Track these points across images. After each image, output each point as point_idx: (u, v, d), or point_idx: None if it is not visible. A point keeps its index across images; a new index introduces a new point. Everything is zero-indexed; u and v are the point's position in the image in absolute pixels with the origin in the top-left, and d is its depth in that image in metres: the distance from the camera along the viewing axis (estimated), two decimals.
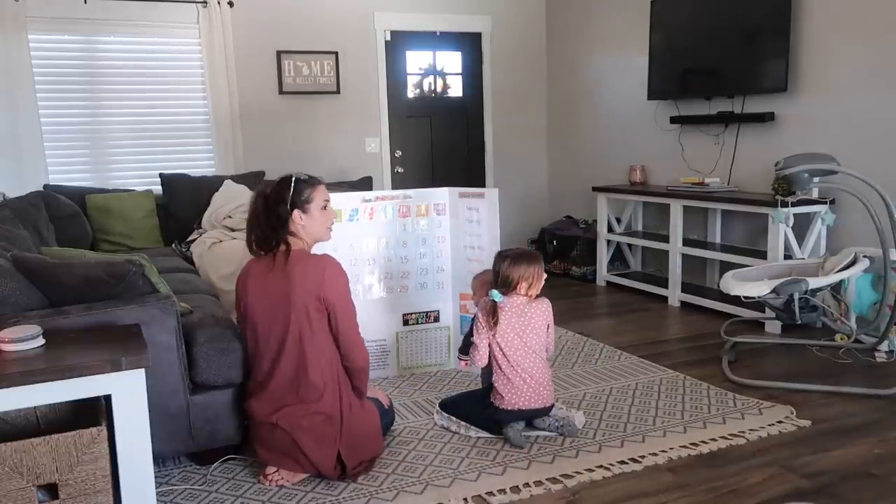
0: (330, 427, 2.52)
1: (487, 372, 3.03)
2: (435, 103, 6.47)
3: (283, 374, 2.54)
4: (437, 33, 6.34)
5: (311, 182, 2.66)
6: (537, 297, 2.94)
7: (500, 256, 2.94)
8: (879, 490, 2.42)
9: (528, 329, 2.87)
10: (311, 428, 2.50)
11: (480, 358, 2.90)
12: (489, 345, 2.89)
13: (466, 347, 3.22)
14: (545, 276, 2.95)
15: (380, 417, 2.72)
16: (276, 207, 2.58)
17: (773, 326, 4.23)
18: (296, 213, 2.59)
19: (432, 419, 3.09)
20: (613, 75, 6.01)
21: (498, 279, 2.90)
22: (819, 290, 3.42)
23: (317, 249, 2.71)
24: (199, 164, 5.65)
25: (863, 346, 3.78)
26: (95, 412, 2.14)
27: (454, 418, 3.01)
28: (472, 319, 3.00)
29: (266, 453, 2.57)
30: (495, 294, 2.87)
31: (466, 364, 3.22)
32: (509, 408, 2.84)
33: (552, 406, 2.90)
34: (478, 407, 2.94)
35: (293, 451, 2.51)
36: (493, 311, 2.87)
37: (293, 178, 2.62)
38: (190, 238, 4.99)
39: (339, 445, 2.53)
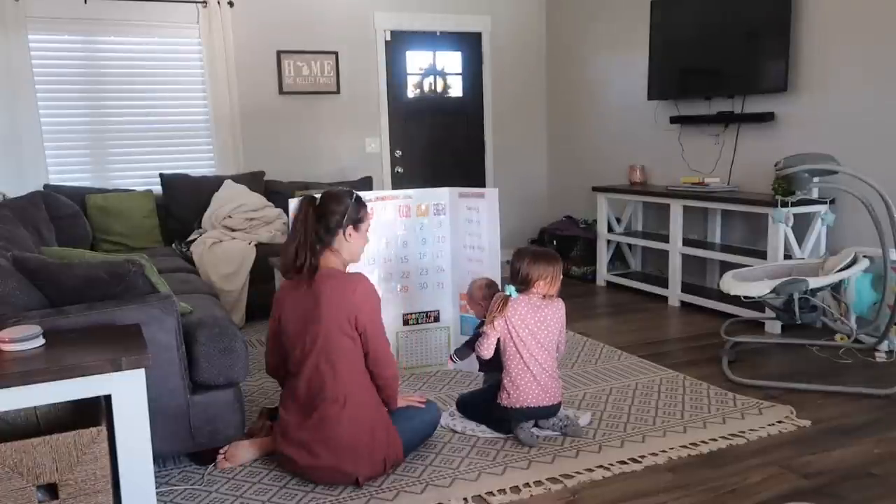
0: (344, 449, 2.49)
1: (491, 370, 3.03)
2: (435, 103, 6.47)
3: (304, 387, 2.53)
4: (437, 33, 6.34)
5: (364, 203, 2.67)
6: (554, 297, 2.93)
7: (519, 254, 2.93)
8: (879, 490, 2.42)
9: (542, 327, 2.86)
10: (326, 453, 2.48)
11: (486, 348, 2.89)
12: (503, 340, 2.87)
13: (463, 351, 3.22)
14: (561, 276, 2.94)
15: (402, 446, 2.63)
16: (327, 218, 2.56)
17: (773, 326, 4.23)
18: (349, 228, 2.59)
19: None
20: (613, 75, 6.01)
21: (517, 277, 2.90)
22: (819, 290, 3.42)
23: None
24: (199, 164, 5.65)
25: (863, 346, 3.78)
26: (95, 412, 2.14)
27: (466, 419, 3.01)
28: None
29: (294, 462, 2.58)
30: (510, 289, 2.87)
31: (452, 362, 3.22)
32: (517, 405, 2.83)
33: (559, 405, 2.89)
34: (489, 407, 2.93)
35: (310, 472, 2.53)
36: (503, 306, 2.86)
37: (354, 194, 2.62)
38: (190, 238, 4.99)
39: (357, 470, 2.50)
